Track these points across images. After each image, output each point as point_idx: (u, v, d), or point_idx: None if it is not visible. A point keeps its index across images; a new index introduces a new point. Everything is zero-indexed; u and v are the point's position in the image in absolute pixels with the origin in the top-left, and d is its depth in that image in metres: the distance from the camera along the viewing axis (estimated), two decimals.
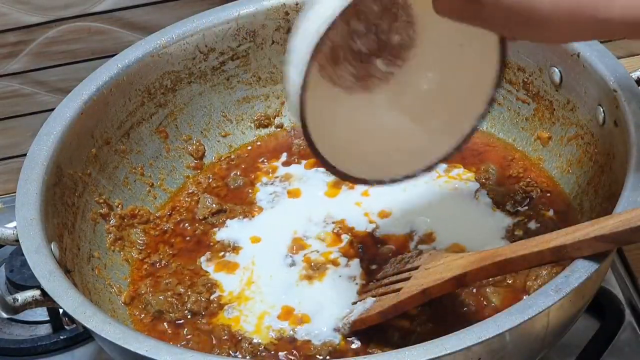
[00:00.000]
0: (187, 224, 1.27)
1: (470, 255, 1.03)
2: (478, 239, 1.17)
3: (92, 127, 1.23)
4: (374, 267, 1.17)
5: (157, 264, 1.22)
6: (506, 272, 1.05)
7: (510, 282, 1.12)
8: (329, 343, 1.09)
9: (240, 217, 1.26)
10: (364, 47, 1.04)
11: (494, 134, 1.32)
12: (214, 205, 1.27)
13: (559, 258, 0.96)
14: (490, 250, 1.01)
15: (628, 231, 0.92)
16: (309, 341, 1.10)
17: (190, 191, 1.32)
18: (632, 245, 1.22)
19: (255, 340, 1.11)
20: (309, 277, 1.17)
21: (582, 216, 1.17)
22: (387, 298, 1.07)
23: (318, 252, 1.20)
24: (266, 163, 1.34)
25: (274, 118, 1.39)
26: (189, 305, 1.16)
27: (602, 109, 1.14)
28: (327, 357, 1.08)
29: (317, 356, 1.08)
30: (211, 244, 1.24)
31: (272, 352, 1.10)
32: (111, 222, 1.23)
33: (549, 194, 1.22)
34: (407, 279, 1.07)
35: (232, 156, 1.36)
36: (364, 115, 1.08)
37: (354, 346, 1.09)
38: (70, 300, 1.00)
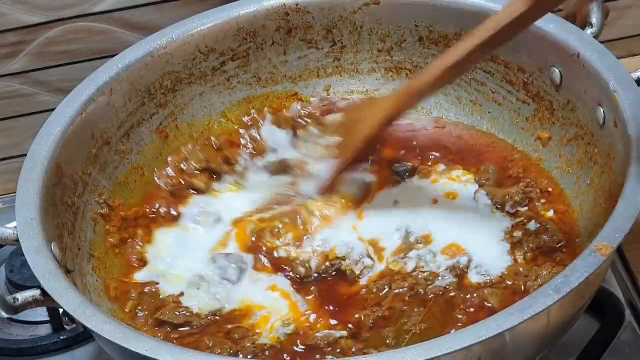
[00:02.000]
0: None
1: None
2: (477, 241, 1.17)
3: (92, 127, 1.23)
4: None
5: None
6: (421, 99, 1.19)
7: (509, 283, 1.12)
8: (329, 335, 1.09)
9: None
10: None
11: (494, 134, 1.32)
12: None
13: (459, 74, 1.15)
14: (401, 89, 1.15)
15: (501, 31, 1.01)
16: (311, 332, 1.10)
17: None
18: (632, 245, 1.23)
19: (259, 341, 1.10)
20: None
21: (581, 216, 1.17)
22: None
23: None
24: None
25: None
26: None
27: (602, 109, 1.14)
28: (328, 349, 1.08)
29: (318, 343, 1.09)
30: None
31: (278, 347, 1.10)
32: (111, 223, 1.23)
33: (548, 194, 1.22)
34: None
35: None
36: None
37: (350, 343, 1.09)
38: (70, 300, 1.00)
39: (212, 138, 1.33)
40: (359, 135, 1.17)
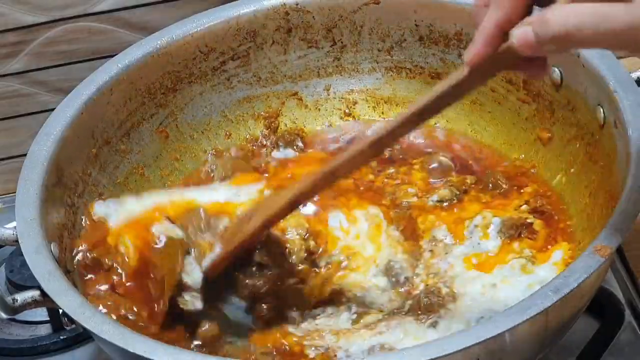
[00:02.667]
0: None
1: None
2: None
3: (93, 127, 1.23)
4: None
5: None
6: (337, 179, 1.06)
7: None
8: None
9: None
10: None
11: (493, 135, 1.32)
12: None
13: (381, 148, 1.03)
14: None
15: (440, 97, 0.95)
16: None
17: None
18: (632, 245, 1.23)
19: None
20: None
21: (581, 217, 1.17)
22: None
23: None
24: None
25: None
26: None
27: (602, 110, 1.14)
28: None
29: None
30: None
31: None
32: None
33: (548, 194, 1.22)
34: None
35: None
36: None
37: None
38: (69, 301, 1.00)
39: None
40: (241, 235, 1.11)
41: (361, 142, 1.01)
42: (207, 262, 1.11)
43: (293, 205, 1.07)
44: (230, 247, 1.10)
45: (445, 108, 0.97)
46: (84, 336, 1.27)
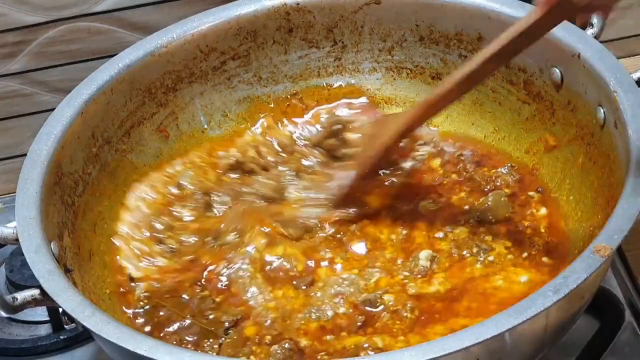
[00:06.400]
0: None
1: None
2: None
3: (93, 127, 1.23)
4: None
5: None
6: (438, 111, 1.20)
7: None
8: None
9: None
10: None
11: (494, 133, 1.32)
12: None
13: (474, 84, 1.15)
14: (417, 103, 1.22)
15: (518, 37, 1.05)
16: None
17: None
18: (632, 245, 1.23)
19: None
20: None
21: (581, 218, 1.17)
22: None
23: None
24: None
25: None
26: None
27: (602, 110, 1.14)
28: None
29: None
30: None
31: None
32: None
33: (546, 194, 1.22)
34: None
35: None
36: None
37: None
38: (69, 300, 1.00)
39: None
40: (376, 147, 1.22)
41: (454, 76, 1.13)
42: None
43: (426, 114, 1.18)
44: (364, 166, 1.21)
45: (517, 54, 1.10)
46: (84, 336, 1.27)
